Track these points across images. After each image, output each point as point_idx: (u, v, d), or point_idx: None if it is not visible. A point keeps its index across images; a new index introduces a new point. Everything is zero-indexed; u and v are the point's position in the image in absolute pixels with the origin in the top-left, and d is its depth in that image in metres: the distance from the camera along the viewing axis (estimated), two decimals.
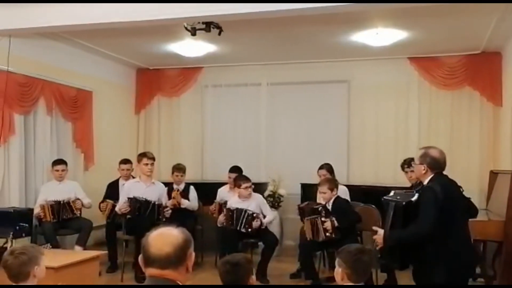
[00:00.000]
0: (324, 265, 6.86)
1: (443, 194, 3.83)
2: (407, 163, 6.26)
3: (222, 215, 6.68)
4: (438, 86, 8.27)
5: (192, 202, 7.37)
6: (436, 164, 4.04)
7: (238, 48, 8.01)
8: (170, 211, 6.67)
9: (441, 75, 8.23)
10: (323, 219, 5.89)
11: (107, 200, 7.17)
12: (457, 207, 3.98)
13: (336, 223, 5.86)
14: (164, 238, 2.19)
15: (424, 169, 4.03)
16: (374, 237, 4.22)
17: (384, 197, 4.21)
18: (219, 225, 6.69)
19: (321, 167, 7.01)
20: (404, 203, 3.97)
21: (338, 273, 2.98)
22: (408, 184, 6.41)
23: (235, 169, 7.40)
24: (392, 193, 4.23)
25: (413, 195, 4.01)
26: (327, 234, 5.86)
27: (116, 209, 6.67)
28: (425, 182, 4.04)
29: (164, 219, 6.42)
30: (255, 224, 6.36)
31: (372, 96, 8.66)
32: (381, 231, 4.14)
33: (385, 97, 8.60)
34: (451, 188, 4.00)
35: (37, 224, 6.57)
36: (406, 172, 6.29)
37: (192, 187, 7.48)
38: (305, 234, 6.15)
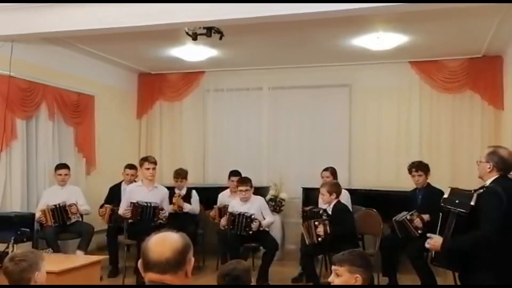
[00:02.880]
0: (326, 269, 6.84)
1: (506, 197, 3.68)
2: (415, 167, 6.17)
3: (224, 218, 6.65)
4: (439, 89, 8.28)
5: (193, 206, 7.37)
6: (504, 165, 3.87)
7: (239, 53, 8.03)
8: (166, 214, 6.64)
9: (442, 79, 8.24)
10: (316, 222, 5.85)
11: (106, 205, 7.19)
12: None
13: (328, 229, 5.80)
14: (164, 243, 2.19)
15: (489, 168, 3.87)
16: (429, 242, 4.02)
17: (443, 202, 3.99)
18: (221, 228, 6.67)
19: (325, 169, 7.04)
20: (467, 211, 3.77)
21: (358, 280, 2.80)
22: (411, 188, 6.41)
23: (236, 173, 7.40)
24: (447, 193, 4.02)
25: (472, 197, 3.80)
26: (319, 239, 5.82)
27: (120, 212, 6.67)
28: (488, 182, 3.89)
29: (158, 222, 6.40)
30: (254, 225, 6.33)
31: (374, 100, 8.66)
32: (438, 238, 3.96)
33: (387, 101, 8.60)
34: None
35: (38, 229, 6.59)
36: (413, 176, 6.18)
37: (194, 192, 7.48)
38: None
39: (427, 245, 4.06)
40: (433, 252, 4.11)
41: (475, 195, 3.80)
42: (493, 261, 3.68)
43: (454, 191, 4.07)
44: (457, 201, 3.88)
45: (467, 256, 3.84)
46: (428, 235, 4.06)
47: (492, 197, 3.70)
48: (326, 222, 5.85)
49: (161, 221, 6.48)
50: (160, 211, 6.54)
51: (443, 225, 3.97)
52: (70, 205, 6.78)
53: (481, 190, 3.84)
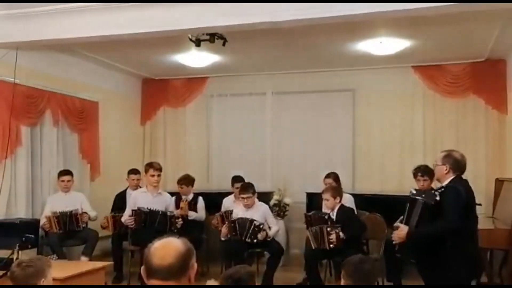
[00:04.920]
0: (331, 274, 6.84)
1: (465, 194, 4.08)
2: (421, 171, 6.12)
3: (224, 226, 6.60)
4: (443, 94, 8.26)
5: (199, 212, 7.34)
6: (458, 166, 4.25)
7: (242, 58, 8.05)
8: (181, 222, 6.64)
9: (445, 83, 8.23)
10: (328, 229, 5.82)
11: (106, 216, 7.20)
12: (474, 209, 4.27)
13: (341, 235, 5.79)
14: (166, 249, 2.19)
15: (446, 170, 4.23)
16: (395, 232, 4.36)
17: (411, 193, 4.39)
18: (223, 239, 6.58)
19: (327, 176, 7.00)
20: (432, 202, 4.15)
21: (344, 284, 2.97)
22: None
23: (240, 179, 7.40)
24: (414, 191, 4.42)
25: (436, 195, 4.20)
26: (331, 245, 5.80)
27: (122, 220, 6.68)
28: (445, 183, 4.24)
29: (175, 230, 6.39)
30: (261, 235, 6.30)
31: (377, 104, 8.66)
32: (404, 227, 4.29)
33: (390, 106, 8.59)
34: (471, 191, 4.24)
35: (43, 235, 6.60)
36: (418, 180, 6.15)
37: (200, 198, 7.46)
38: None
39: (393, 236, 4.41)
40: (397, 245, 4.42)
41: (438, 194, 4.20)
42: (456, 253, 4.02)
43: (418, 190, 4.58)
44: (423, 195, 4.29)
45: (431, 247, 4.15)
46: (395, 225, 4.37)
47: (452, 193, 4.09)
48: (338, 228, 5.83)
49: (176, 230, 6.45)
50: (176, 219, 6.53)
51: (409, 215, 4.33)
52: (82, 214, 6.81)
53: (442, 189, 4.22)
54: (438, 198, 4.14)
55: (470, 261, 4.12)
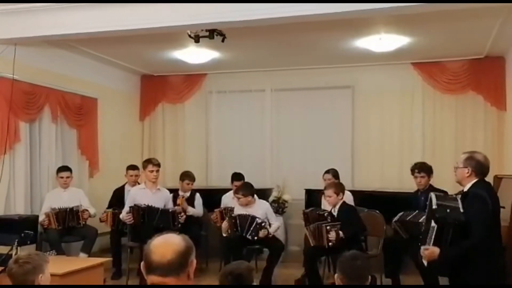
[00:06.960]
0: (329, 270, 6.84)
1: (490, 199, 3.81)
2: (417, 168, 6.18)
3: (225, 222, 6.60)
4: (442, 91, 8.27)
5: (197, 209, 7.35)
6: (481, 169, 3.97)
7: (241, 55, 8.04)
8: (184, 216, 6.65)
9: (445, 80, 8.23)
10: (328, 227, 5.78)
11: (106, 210, 7.19)
12: (499, 216, 4.00)
13: (341, 233, 5.74)
14: (166, 245, 2.19)
15: (468, 173, 3.95)
16: (424, 253, 3.99)
17: (437, 212, 3.90)
18: (224, 235, 6.56)
19: (326, 172, 7.02)
20: (462, 220, 3.80)
21: (337, 280, 2.99)
22: (414, 189, 6.40)
23: (239, 177, 7.41)
24: (433, 198, 3.95)
25: (457, 204, 3.87)
26: (330, 243, 5.76)
27: (121, 216, 6.67)
28: (467, 186, 3.97)
29: (179, 225, 6.38)
30: (262, 233, 6.25)
31: (377, 101, 8.66)
32: (434, 249, 3.90)
33: (390, 102, 8.60)
34: (495, 194, 4.00)
35: (42, 231, 6.60)
36: (416, 177, 6.20)
37: (198, 194, 7.47)
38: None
39: (423, 256, 4.02)
40: (426, 261, 4.06)
41: (459, 201, 3.87)
42: (484, 259, 3.78)
43: (437, 195, 4.07)
44: (448, 210, 3.87)
45: (461, 261, 3.89)
46: (423, 247, 4.01)
47: (478, 202, 3.80)
48: (338, 227, 5.79)
49: (180, 224, 6.45)
50: (179, 214, 6.52)
51: (438, 235, 3.91)
52: (83, 211, 6.81)
53: (464, 194, 3.94)
54: (462, 210, 3.82)
55: (499, 265, 3.94)
